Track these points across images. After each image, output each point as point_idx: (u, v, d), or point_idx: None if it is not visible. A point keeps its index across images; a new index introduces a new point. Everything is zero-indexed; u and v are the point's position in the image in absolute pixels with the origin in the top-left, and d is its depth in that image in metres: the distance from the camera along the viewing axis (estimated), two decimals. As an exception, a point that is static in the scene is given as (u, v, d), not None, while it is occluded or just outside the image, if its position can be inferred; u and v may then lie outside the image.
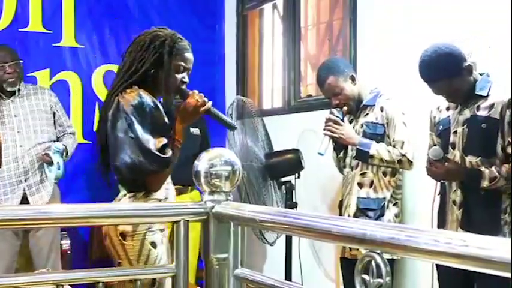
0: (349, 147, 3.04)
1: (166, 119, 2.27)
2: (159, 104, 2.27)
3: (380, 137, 2.96)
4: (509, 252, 0.81)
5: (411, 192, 3.11)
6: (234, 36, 4.83)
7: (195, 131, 3.97)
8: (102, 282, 1.44)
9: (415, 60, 2.48)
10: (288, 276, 3.49)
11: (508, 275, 0.82)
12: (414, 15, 3.16)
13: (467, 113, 2.48)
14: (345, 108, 3.02)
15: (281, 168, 3.53)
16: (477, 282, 2.44)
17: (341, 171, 3.16)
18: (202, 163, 1.53)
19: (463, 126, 2.49)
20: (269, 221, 1.37)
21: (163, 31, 2.35)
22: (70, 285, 1.52)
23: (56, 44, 4.37)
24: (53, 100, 3.92)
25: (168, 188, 2.33)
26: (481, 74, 2.50)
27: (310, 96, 4.26)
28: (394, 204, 2.98)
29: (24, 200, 3.68)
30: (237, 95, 4.41)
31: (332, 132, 2.96)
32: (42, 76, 4.30)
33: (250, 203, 3.13)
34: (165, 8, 4.64)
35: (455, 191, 2.51)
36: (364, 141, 2.94)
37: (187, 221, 1.49)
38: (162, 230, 2.22)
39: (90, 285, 1.50)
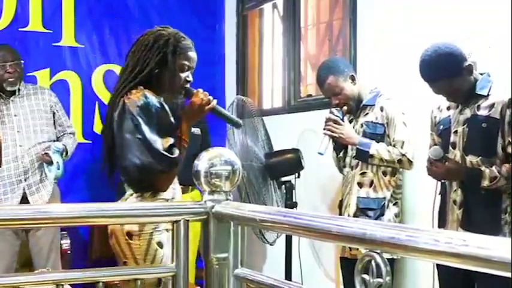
0: (349, 147, 3.04)
1: (172, 119, 2.28)
2: (164, 104, 2.27)
3: (380, 137, 2.96)
4: (509, 252, 0.81)
5: (411, 192, 3.11)
6: (234, 36, 4.83)
7: (195, 130, 3.96)
8: (102, 282, 1.44)
9: (415, 60, 2.48)
10: (288, 276, 3.49)
11: (508, 274, 0.82)
12: (414, 15, 3.16)
13: (467, 113, 2.48)
14: (345, 108, 3.02)
15: (281, 168, 3.53)
16: (477, 282, 2.44)
17: (341, 171, 3.16)
18: (202, 163, 1.53)
19: (464, 125, 2.48)
20: (269, 221, 1.37)
21: (167, 30, 2.34)
22: (70, 285, 1.52)
23: (56, 44, 4.37)
24: (53, 100, 3.92)
25: (175, 188, 2.32)
26: (481, 74, 2.50)
27: (310, 96, 4.26)
28: (394, 204, 2.98)
29: (24, 200, 3.67)
30: (237, 95, 4.41)
31: (332, 132, 2.96)
32: (42, 76, 4.30)
33: (250, 203, 3.13)
34: (165, 8, 4.64)
35: (455, 190, 2.51)
36: (364, 140, 2.94)
37: (188, 220, 1.49)
38: (168, 230, 2.21)
39: (90, 285, 1.50)
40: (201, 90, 2.35)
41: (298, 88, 4.28)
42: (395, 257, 2.68)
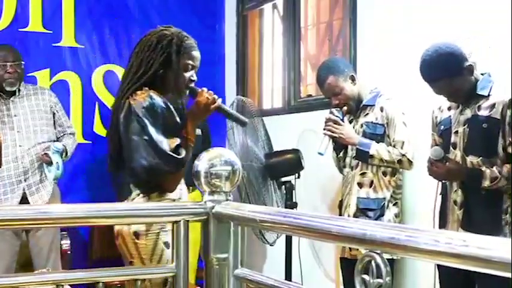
0: (349, 147, 3.04)
1: (177, 119, 2.27)
2: (169, 104, 2.26)
3: (380, 137, 2.95)
4: (509, 252, 0.81)
5: (411, 192, 3.11)
6: (234, 36, 4.83)
7: (196, 130, 3.96)
8: (102, 282, 1.44)
9: (415, 60, 2.48)
10: (288, 276, 3.49)
11: (508, 275, 0.82)
12: (414, 15, 3.16)
13: (468, 113, 2.48)
14: (345, 108, 3.02)
15: (281, 168, 3.53)
16: (478, 282, 2.43)
17: (341, 171, 3.16)
18: (202, 163, 1.53)
19: (464, 126, 2.48)
20: (269, 221, 1.37)
21: (169, 30, 2.33)
22: (70, 285, 1.52)
23: (56, 44, 4.37)
24: (53, 100, 3.92)
25: (181, 188, 2.32)
26: (482, 74, 2.50)
27: (310, 96, 4.26)
28: (394, 204, 2.98)
29: (24, 200, 3.67)
30: (237, 95, 4.41)
31: (332, 132, 2.96)
32: (42, 76, 4.30)
33: (250, 203, 3.13)
34: (165, 8, 4.64)
35: (456, 191, 2.51)
36: (364, 141, 2.94)
37: (187, 221, 1.49)
38: None
39: (90, 285, 1.50)
40: (205, 89, 2.34)
41: (298, 88, 4.28)
42: (395, 257, 2.68)
